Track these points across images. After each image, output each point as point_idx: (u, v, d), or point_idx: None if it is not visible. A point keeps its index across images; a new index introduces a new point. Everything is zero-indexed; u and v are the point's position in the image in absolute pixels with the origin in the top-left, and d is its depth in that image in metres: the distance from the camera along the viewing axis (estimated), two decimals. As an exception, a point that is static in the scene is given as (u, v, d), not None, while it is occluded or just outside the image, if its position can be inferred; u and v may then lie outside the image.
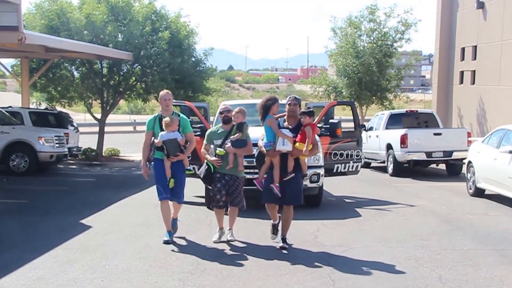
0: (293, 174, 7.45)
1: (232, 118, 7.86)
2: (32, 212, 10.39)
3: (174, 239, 7.90)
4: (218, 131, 7.99)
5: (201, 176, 8.08)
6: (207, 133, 8.18)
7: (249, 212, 8.84)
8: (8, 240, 8.12)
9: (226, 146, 7.73)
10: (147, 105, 34.32)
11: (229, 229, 8.01)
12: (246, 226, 8.69)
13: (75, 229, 8.74)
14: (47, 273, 6.42)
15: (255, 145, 7.90)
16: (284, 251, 7.45)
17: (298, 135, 7.48)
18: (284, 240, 7.64)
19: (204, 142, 8.09)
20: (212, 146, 8.03)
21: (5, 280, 6.14)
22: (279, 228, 7.78)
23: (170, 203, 7.98)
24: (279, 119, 7.71)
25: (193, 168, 10.09)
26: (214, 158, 7.84)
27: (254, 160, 8.07)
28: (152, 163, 7.90)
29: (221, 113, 8.06)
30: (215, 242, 7.81)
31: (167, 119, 7.65)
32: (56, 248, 7.51)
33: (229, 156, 7.73)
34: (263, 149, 7.59)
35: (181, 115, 8.11)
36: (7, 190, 13.41)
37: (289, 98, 7.78)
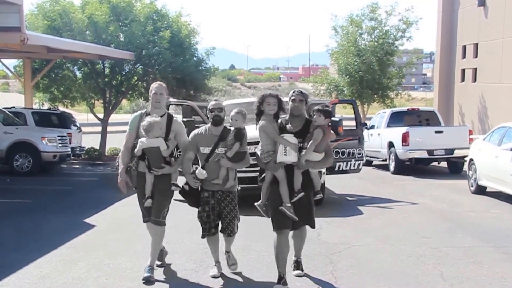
0: (303, 193, 5.81)
1: (230, 120, 6.09)
2: (36, 211, 10.45)
3: (177, 240, 7.90)
4: (206, 134, 6.15)
5: (185, 192, 6.24)
6: (191, 135, 6.23)
7: (250, 209, 8.86)
8: (13, 239, 8.19)
9: (221, 160, 6.04)
10: (149, 104, 34.38)
11: (227, 252, 6.50)
12: (248, 223, 8.71)
13: (79, 228, 8.80)
14: (52, 272, 6.48)
15: (252, 154, 6.22)
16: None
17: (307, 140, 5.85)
18: (298, 263, 6.36)
19: (187, 147, 6.24)
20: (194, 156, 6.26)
21: (10, 279, 6.20)
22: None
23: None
24: (279, 120, 6.02)
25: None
26: (192, 178, 6.12)
27: (258, 177, 6.26)
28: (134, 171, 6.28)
29: (211, 110, 6.11)
30: (213, 277, 6.29)
31: (144, 122, 6.04)
32: (60, 247, 7.57)
33: (221, 171, 6.07)
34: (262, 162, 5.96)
35: (176, 118, 6.41)
36: (11, 190, 13.47)
37: (293, 92, 6.03)
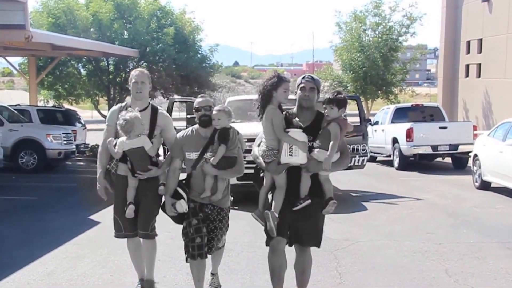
0: (309, 201, 4.70)
1: (213, 121, 4.95)
2: (41, 208, 10.48)
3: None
4: (194, 137, 5.06)
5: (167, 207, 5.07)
6: (176, 138, 5.18)
7: (255, 206, 8.89)
8: (18, 236, 8.21)
9: (204, 166, 4.96)
10: (153, 101, 34.52)
11: (212, 274, 5.46)
12: (254, 220, 8.70)
13: (84, 225, 8.83)
14: (57, 269, 6.51)
15: (248, 151, 5.19)
16: None
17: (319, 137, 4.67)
18: None
19: (172, 152, 5.16)
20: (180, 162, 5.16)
21: (16, 275, 6.23)
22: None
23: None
24: (286, 112, 4.80)
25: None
26: (170, 203, 5.03)
27: (252, 177, 5.24)
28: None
29: (197, 109, 5.02)
30: None
31: (121, 121, 4.98)
32: (65, 244, 7.60)
33: (207, 180, 4.99)
34: (261, 160, 4.77)
35: (161, 110, 5.36)
36: (16, 187, 13.51)
37: (302, 78, 4.78)
